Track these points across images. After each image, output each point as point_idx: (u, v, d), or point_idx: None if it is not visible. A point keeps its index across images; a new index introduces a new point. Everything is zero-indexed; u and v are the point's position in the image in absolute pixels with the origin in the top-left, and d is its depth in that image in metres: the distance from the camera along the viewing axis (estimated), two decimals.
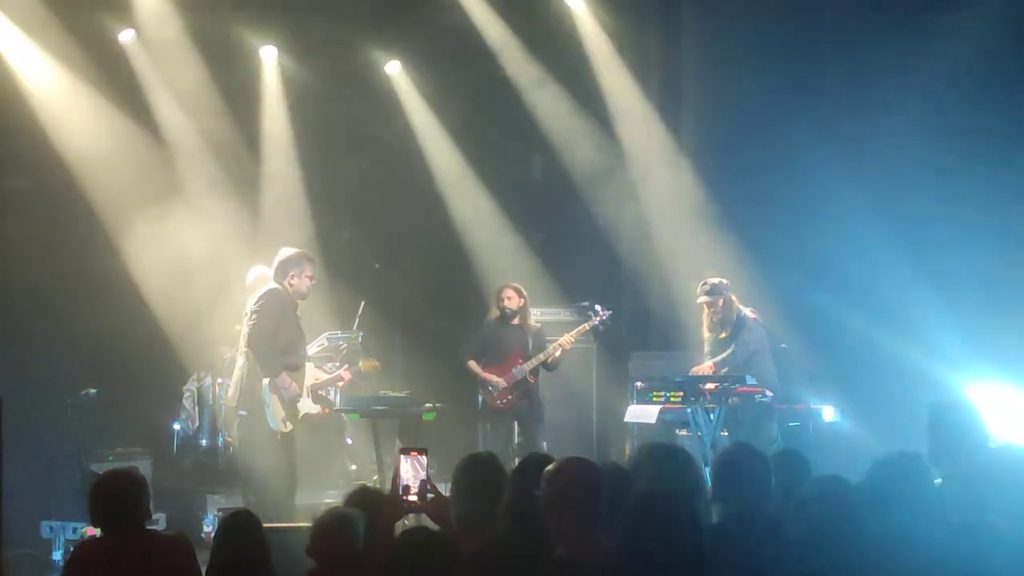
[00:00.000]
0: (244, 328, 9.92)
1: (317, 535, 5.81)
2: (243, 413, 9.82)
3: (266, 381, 9.72)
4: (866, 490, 5.72)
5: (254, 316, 9.79)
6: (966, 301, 11.24)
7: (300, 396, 10.03)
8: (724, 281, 11.47)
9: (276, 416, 9.70)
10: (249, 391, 9.78)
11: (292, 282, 9.95)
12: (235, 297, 11.87)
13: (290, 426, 9.87)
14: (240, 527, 5.91)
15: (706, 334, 11.61)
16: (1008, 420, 9.87)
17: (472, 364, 11.83)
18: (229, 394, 10.20)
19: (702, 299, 11.47)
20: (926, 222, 11.63)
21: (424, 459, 5.47)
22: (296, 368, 10.02)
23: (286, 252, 10.06)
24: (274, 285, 9.94)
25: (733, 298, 11.41)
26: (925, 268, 11.44)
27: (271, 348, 9.79)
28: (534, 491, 5.31)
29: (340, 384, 10.99)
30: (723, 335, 11.45)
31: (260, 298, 9.86)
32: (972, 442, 7.03)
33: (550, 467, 5.32)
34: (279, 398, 9.73)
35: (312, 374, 10.40)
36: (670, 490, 5.03)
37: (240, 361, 10.03)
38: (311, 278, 10.09)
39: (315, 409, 10.44)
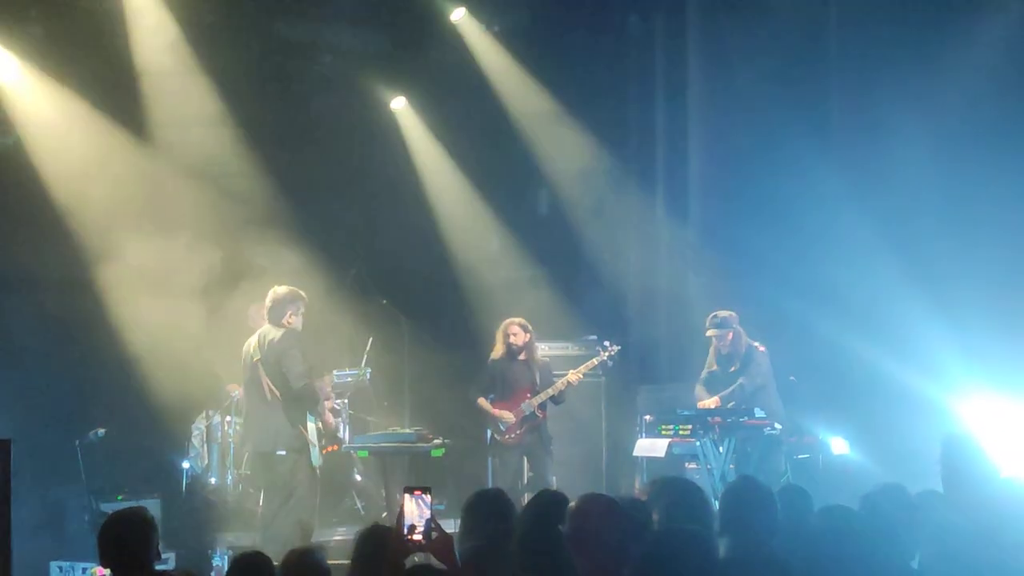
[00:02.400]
0: (264, 372, 10.01)
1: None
2: (282, 453, 9.97)
3: (312, 420, 9.97)
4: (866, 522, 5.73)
5: (288, 359, 9.97)
6: (977, 331, 11.20)
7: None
8: (733, 314, 11.51)
9: (318, 453, 9.91)
10: (288, 432, 9.96)
11: (290, 320, 10.17)
12: (238, 334, 11.92)
13: (321, 460, 10.15)
14: (252, 568, 5.90)
15: (712, 367, 11.64)
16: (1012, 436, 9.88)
17: (482, 401, 11.82)
18: (254, 436, 10.25)
19: (711, 332, 11.50)
20: (936, 250, 11.59)
21: (428, 498, 5.47)
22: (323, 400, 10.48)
23: (281, 291, 10.29)
24: (274, 328, 10.15)
25: (742, 331, 11.45)
26: (936, 297, 11.41)
27: (314, 384, 10.16)
28: (555, 528, 5.32)
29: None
30: (732, 368, 11.48)
31: (282, 341, 10.07)
32: (982, 473, 7.04)
33: (572, 504, 5.35)
34: (326, 433, 10.20)
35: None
36: (690, 529, 5.02)
37: (263, 404, 10.15)
38: (303, 315, 10.41)
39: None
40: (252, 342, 10.22)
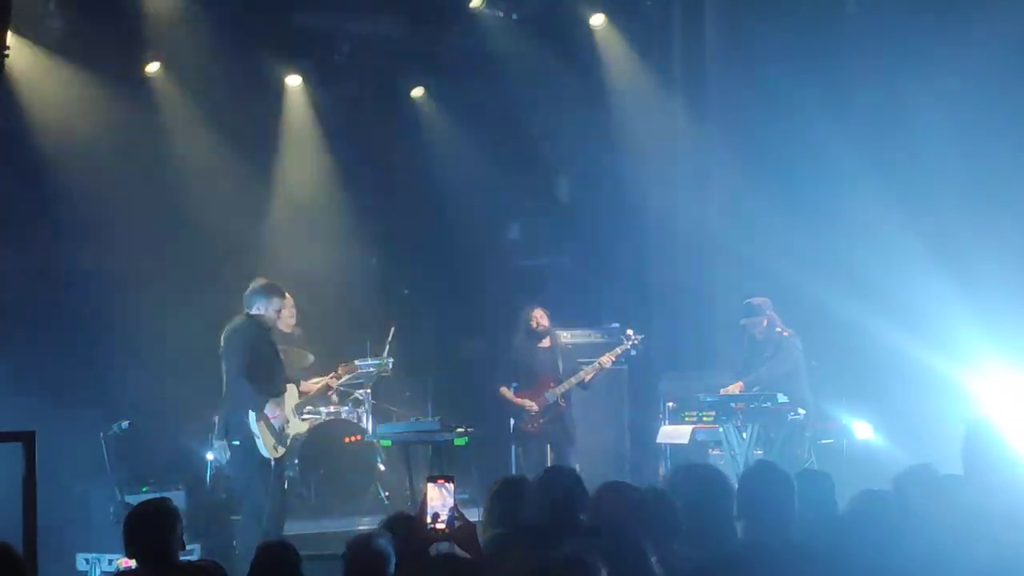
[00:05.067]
0: (223, 361, 10.10)
1: (351, 562, 5.81)
2: (236, 443, 9.99)
3: (253, 414, 9.87)
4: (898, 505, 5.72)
5: (227, 355, 9.98)
6: (1002, 312, 11.15)
7: (287, 421, 10.21)
8: (766, 300, 11.44)
9: (267, 444, 9.90)
10: (238, 423, 9.93)
11: (258, 310, 10.10)
12: None
13: (281, 450, 10.06)
14: (276, 558, 5.91)
15: (747, 355, 11.57)
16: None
17: (504, 390, 11.83)
18: (217, 426, 10.33)
19: (745, 320, 11.44)
20: (959, 231, 11.52)
21: (451, 486, 5.47)
22: (278, 395, 10.18)
23: (255, 283, 10.23)
24: (240, 318, 10.09)
25: (776, 317, 11.37)
26: (959, 279, 11.34)
27: (249, 383, 9.91)
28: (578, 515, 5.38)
29: (330, 392, 11.10)
30: (768, 355, 11.39)
31: (227, 334, 10.04)
32: (1004, 459, 7.01)
33: (593, 492, 5.37)
34: (267, 427, 9.89)
35: (301, 388, 10.74)
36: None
37: (223, 394, 10.19)
38: (278, 311, 10.30)
39: (303, 427, 10.86)
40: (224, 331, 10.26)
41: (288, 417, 10.29)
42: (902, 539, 5.47)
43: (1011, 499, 6.25)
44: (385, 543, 5.78)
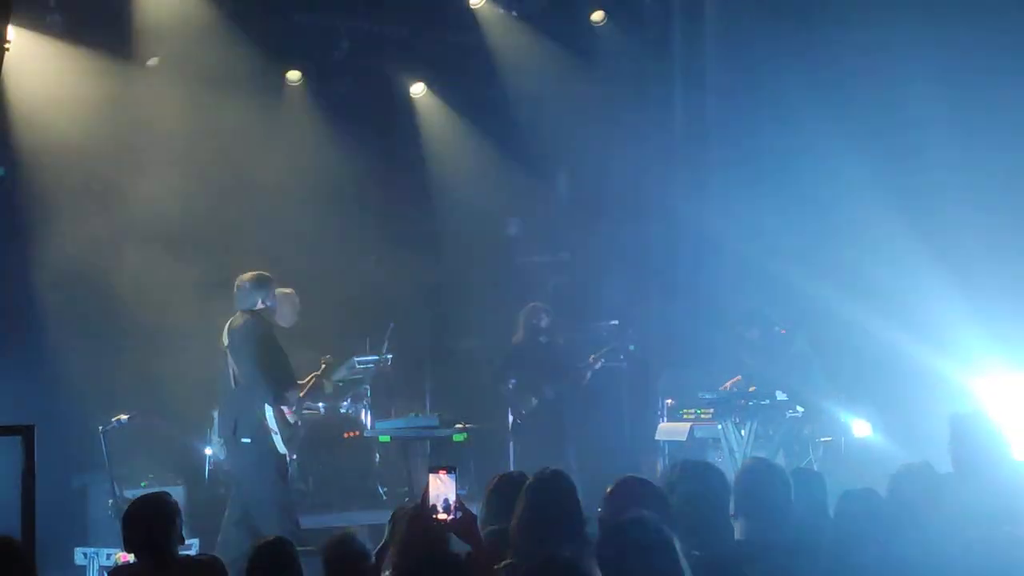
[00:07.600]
0: (232, 359, 9.90)
1: (332, 562, 5.88)
2: (246, 440, 9.79)
3: (270, 409, 9.74)
4: (892, 504, 5.72)
5: (237, 352, 9.81)
6: (1001, 312, 11.15)
7: (298, 420, 10.11)
8: (760, 307, 11.46)
9: (283, 439, 9.76)
10: (250, 419, 9.76)
11: (262, 304, 9.98)
12: None
13: (293, 446, 9.98)
14: (275, 553, 5.93)
15: (754, 358, 11.58)
16: None
17: (503, 388, 11.86)
18: (221, 423, 10.15)
19: (742, 326, 11.45)
20: (958, 230, 11.52)
21: (453, 477, 5.48)
22: (295, 388, 10.10)
23: (245, 278, 10.05)
24: (244, 315, 9.92)
25: (775, 318, 11.39)
26: (958, 278, 11.34)
27: (265, 378, 9.79)
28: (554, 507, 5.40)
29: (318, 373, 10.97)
30: (770, 356, 11.40)
31: (234, 331, 9.87)
32: (996, 454, 7.00)
33: (608, 488, 5.38)
34: (282, 422, 9.77)
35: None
36: (643, 517, 4.98)
37: (229, 391, 10.01)
38: (277, 297, 10.17)
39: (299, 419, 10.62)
40: (225, 329, 10.09)
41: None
42: (890, 538, 5.48)
43: (999, 494, 6.25)
44: (362, 543, 5.87)
